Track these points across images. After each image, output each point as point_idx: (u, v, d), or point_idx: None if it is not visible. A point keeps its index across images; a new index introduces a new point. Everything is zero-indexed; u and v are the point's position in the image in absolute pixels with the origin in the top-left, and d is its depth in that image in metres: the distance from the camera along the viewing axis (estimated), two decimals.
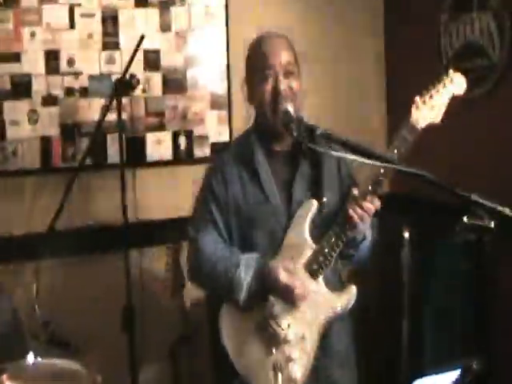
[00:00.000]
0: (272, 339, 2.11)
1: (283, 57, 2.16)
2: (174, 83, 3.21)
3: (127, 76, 2.83)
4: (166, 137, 3.22)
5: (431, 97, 2.07)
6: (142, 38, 2.81)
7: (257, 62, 2.20)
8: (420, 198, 3.06)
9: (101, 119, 2.80)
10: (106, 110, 2.80)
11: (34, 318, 2.65)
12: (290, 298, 2.09)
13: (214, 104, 3.28)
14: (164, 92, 3.20)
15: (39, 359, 2.25)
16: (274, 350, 2.10)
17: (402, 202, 3.26)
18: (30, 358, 2.25)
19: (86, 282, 3.03)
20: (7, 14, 2.97)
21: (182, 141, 3.25)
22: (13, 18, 2.97)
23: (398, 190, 3.20)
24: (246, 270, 2.12)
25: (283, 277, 2.07)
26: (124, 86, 2.83)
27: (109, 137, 3.09)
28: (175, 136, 3.24)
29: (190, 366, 2.76)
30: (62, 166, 3.06)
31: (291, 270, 2.09)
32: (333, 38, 3.51)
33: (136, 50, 2.79)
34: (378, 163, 1.81)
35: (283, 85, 2.13)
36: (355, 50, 3.58)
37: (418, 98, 2.07)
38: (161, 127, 3.21)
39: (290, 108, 2.11)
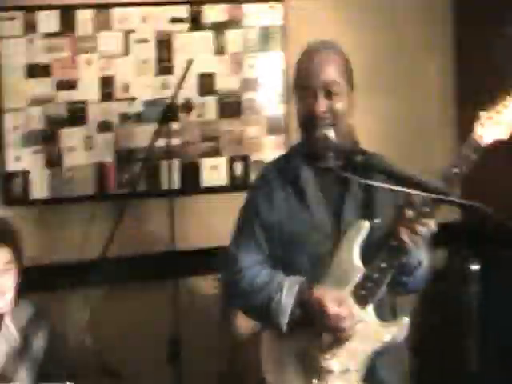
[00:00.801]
0: (314, 369, 1.97)
1: (326, 75, 2.01)
2: (230, 107, 3.16)
3: (179, 101, 2.83)
4: (222, 162, 3.17)
5: (498, 112, 1.90)
6: (190, 62, 2.78)
7: (298, 79, 2.09)
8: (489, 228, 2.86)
9: (151, 145, 2.78)
10: (156, 135, 2.78)
11: (84, 346, 2.65)
12: (335, 331, 1.94)
13: (271, 128, 3.20)
14: (219, 116, 3.15)
15: None
16: (315, 381, 1.96)
17: (471, 231, 3.07)
18: None
19: (135, 310, 3.00)
20: (64, 43, 3.02)
21: (238, 166, 3.19)
22: (69, 46, 3.02)
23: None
24: (288, 295, 1.99)
25: (330, 307, 1.93)
26: (173, 111, 2.83)
27: (163, 163, 3.06)
28: (231, 161, 3.19)
29: None
30: (117, 193, 3.06)
31: (339, 300, 1.95)
32: (395, 62, 3.37)
33: (184, 75, 2.77)
34: (423, 193, 1.69)
35: (323, 106, 2.00)
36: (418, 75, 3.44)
37: (483, 113, 1.91)
38: (216, 152, 3.16)
39: (330, 133, 1.98)
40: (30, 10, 3.00)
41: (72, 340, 2.79)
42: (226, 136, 3.16)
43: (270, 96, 3.21)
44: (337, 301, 1.95)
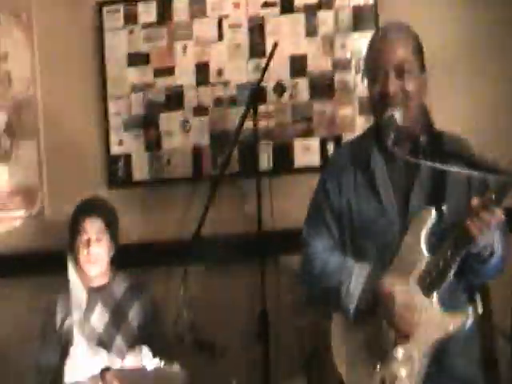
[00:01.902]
0: (379, 355, 1.98)
1: (398, 55, 2.00)
2: (322, 88, 3.16)
3: (271, 83, 2.89)
4: (314, 143, 3.19)
5: None
6: (276, 45, 2.82)
7: (370, 59, 2.08)
8: None
9: (238, 128, 2.86)
10: (243, 118, 2.85)
11: (181, 321, 2.79)
12: (399, 324, 1.94)
13: (364, 108, 3.17)
14: (311, 97, 3.16)
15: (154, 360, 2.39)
16: (379, 367, 1.97)
17: None
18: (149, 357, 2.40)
19: (227, 289, 3.10)
20: (161, 32, 3.18)
21: (331, 147, 3.19)
22: (166, 34, 3.19)
23: None
24: (357, 282, 2.02)
25: (397, 300, 1.93)
26: (262, 93, 2.90)
27: (256, 144, 3.08)
28: (323, 142, 3.20)
29: (320, 379, 2.69)
30: (212, 174, 3.16)
31: (405, 293, 1.95)
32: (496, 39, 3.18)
33: (270, 58, 2.81)
34: (491, 177, 1.64)
35: (394, 86, 1.98)
36: None
37: None
38: (308, 133, 3.18)
39: (397, 114, 1.97)
40: (131, 2, 3.20)
41: (170, 314, 2.98)
42: (318, 117, 3.16)
43: (361, 76, 3.18)
44: (404, 297, 1.94)
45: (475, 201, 1.84)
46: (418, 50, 2.07)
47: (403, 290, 1.95)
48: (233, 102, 3.16)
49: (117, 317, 2.84)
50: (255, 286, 2.88)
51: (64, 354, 2.72)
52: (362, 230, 2.09)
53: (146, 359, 2.42)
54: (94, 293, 2.83)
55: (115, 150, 3.21)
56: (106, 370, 2.12)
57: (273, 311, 2.87)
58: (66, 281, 2.93)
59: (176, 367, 2.36)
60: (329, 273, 2.09)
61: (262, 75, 2.85)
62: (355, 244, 2.12)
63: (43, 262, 3.13)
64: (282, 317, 2.95)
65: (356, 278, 2.03)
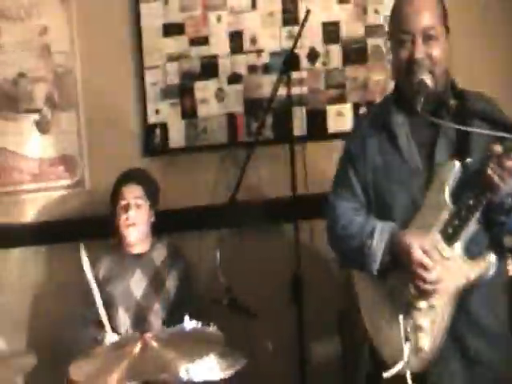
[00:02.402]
0: (401, 305, 2.03)
1: (424, 19, 2.02)
2: (354, 54, 3.19)
3: (304, 50, 2.93)
4: (347, 108, 3.22)
5: None
6: (308, 12, 2.87)
7: (395, 23, 2.10)
8: None
9: (273, 94, 2.91)
10: (277, 85, 2.90)
11: (216, 284, 2.86)
12: (418, 278, 1.98)
13: None
14: (344, 63, 3.20)
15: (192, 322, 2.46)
16: (401, 317, 2.02)
17: None
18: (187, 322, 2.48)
19: (262, 252, 3.18)
20: (196, 2, 3.22)
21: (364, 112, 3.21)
22: (201, 4, 3.23)
23: None
24: (379, 240, 2.07)
25: (415, 254, 1.97)
26: (295, 60, 2.94)
27: (289, 110, 3.10)
28: (356, 107, 3.22)
29: (352, 338, 2.74)
30: (246, 140, 3.22)
31: (426, 249, 1.98)
32: None
33: (302, 25, 2.85)
34: None
35: (421, 52, 2.01)
36: None
37: None
38: (341, 99, 3.21)
39: (426, 78, 1.99)
40: None
41: (205, 278, 3.06)
42: (351, 83, 3.21)
43: None
44: (423, 248, 1.98)
45: (496, 147, 1.86)
46: (444, 14, 2.09)
47: (423, 240, 1.98)
48: (266, 69, 3.21)
49: (155, 283, 2.94)
50: (289, 249, 2.98)
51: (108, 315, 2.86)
52: (386, 190, 2.14)
53: (185, 319, 2.50)
54: (135, 259, 2.94)
55: (152, 118, 3.26)
56: (144, 330, 2.20)
57: (306, 274, 2.95)
58: (106, 246, 3.09)
59: (213, 328, 2.42)
60: (353, 232, 2.15)
61: (295, 42, 2.91)
62: (380, 204, 2.16)
63: (84, 229, 3.21)
64: (315, 279, 3.03)
65: (379, 236, 2.07)
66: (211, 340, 2.27)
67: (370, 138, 2.17)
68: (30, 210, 3.38)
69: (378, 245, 2.06)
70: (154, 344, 2.08)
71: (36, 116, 3.32)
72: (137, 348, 2.04)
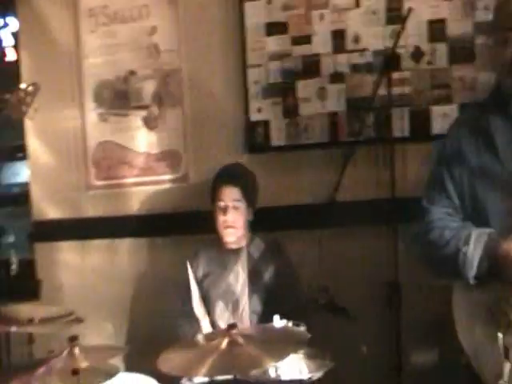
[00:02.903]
0: (501, 322, 1.96)
1: None
2: (462, 53, 3.09)
3: (408, 49, 2.89)
4: (453, 109, 3.11)
5: None
6: (410, 10, 2.83)
7: (500, 20, 2.03)
8: None
9: (373, 94, 2.89)
10: (376, 84, 2.87)
11: (315, 283, 2.88)
12: None
13: None
14: (450, 62, 3.10)
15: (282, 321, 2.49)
16: (500, 335, 1.95)
17: None
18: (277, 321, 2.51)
19: (360, 253, 3.15)
20: (299, 0, 3.24)
21: None
22: (303, 3, 3.25)
23: None
24: (476, 247, 2.02)
25: None
26: (396, 59, 2.90)
27: (394, 110, 3.10)
28: (463, 109, 3.10)
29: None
30: (347, 140, 3.20)
31: None
32: None
33: (404, 23, 2.82)
34: None
35: None
36: None
37: None
38: (447, 100, 3.11)
39: None
40: None
41: (303, 277, 3.07)
42: (457, 83, 3.11)
43: None
44: None
45: None
46: None
47: None
48: (369, 68, 3.17)
49: (253, 277, 2.99)
50: (387, 251, 2.94)
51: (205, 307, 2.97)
52: (483, 194, 2.08)
53: (274, 318, 2.54)
54: (233, 254, 3.01)
55: (254, 116, 3.33)
56: (232, 325, 2.24)
57: (404, 278, 2.91)
58: (208, 240, 3.17)
59: (302, 328, 2.43)
60: (448, 238, 2.10)
61: (396, 41, 2.88)
62: (476, 209, 2.11)
63: (187, 222, 3.36)
64: (414, 284, 2.97)
65: (475, 243, 2.02)
66: (299, 340, 2.28)
67: (466, 140, 2.12)
68: (135, 203, 3.57)
69: (474, 251, 2.02)
70: (241, 340, 2.13)
71: (144, 112, 3.50)
72: (224, 343, 2.11)
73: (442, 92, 3.13)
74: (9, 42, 3.81)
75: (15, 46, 3.71)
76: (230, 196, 2.95)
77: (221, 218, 2.95)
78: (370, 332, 2.90)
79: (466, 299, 2.11)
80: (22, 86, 2.83)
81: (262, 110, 3.32)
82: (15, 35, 3.72)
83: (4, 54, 3.89)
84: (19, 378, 2.36)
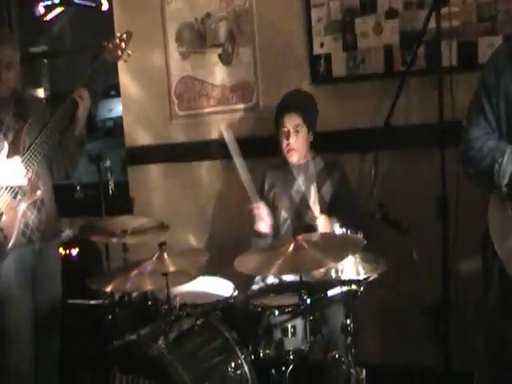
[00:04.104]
0: None
1: None
2: None
3: None
4: (498, 40, 3.34)
5: None
6: None
7: None
8: None
9: (423, 28, 3.15)
10: (427, 19, 3.14)
11: (371, 200, 3.18)
12: None
13: None
14: None
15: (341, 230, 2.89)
16: None
17: None
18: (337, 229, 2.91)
19: (412, 172, 3.49)
20: None
21: None
22: None
23: None
24: (510, 158, 2.26)
25: None
26: None
27: (443, 43, 3.30)
28: (507, 40, 3.31)
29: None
30: (401, 70, 3.50)
31: None
32: None
33: None
34: None
35: None
36: None
37: None
38: (493, 31, 3.35)
39: None
40: None
41: (361, 194, 3.41)
42: (502, 15, 3.33)
43: None
44: None
45: None
46: None
47: None
48: (421, 4, 3.45)
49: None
50: (436, 171, 3.16)
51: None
52: None
53: (335, 227, 2.95)
54: (296, 168, 3.40)
55: (317, 50, 3.68)
56: (297, 232, 2.65)
57: (452, 194, 3.10)
58: (273, 161, 3.52)
59: (360, 235, 2.77)
60: (484, 153, 2.34)
61: None
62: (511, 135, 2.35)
63: (257, 146, 3.75)
64: (461, 201, 3.14)
65: (509, 155, 2.26)
66: (356, 244, 2.66)
67: (505, 71, 2.32)
68: (213, 130, 4.02)
69: (508, 162, 2.25)
70: (305, 245, 2.57)
71: (219, 50, 3.91)
72: (290, 248, 2.56)
73: (488, 24, 3.37)
74: None
75: None
76: (292, 122, 3.30)
77: (284, 142, 3.32)
78: (421, 242, 3.18)
79: (499, 208, 2.35)
80: (118, 33, 3.26)
81: (324, 44, 3.66)
82: None
83: (100, 5, 4.32)
84: (118, 278, 2.74)
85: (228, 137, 3.33)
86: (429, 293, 3.25)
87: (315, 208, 3.16)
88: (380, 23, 3.54)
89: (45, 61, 6.89)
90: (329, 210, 3.28)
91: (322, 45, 3.67)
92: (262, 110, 3.87)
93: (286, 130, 3.31)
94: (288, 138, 3.31)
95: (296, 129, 3.31)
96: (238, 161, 3.27)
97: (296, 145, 3.32)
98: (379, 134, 3.32)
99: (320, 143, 3.44)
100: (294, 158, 3.35)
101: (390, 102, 3.30)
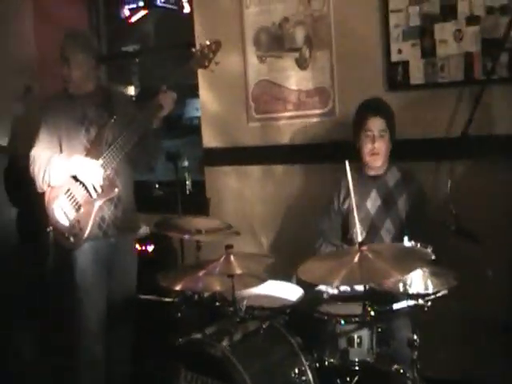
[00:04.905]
0: None
1: None
2: None
3: None
4: None
5: None
6: None
7: None
8: None
9: (505, 34, 3.09)
10: (509, 25, 3.08)
11: (446, 210, 3.18)
12: None
13: None
14: None
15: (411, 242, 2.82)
16: None
17: None
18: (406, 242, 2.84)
19: (490, 184, 3.37)
20: None
21: None
22: None
23: None
24: None
25: None
26: None
27: None
28: None
29: None
30: (482, 79, 3.41)
31: None
32: None
33: None
34: None
35: None
36: None
37: None
38: None
39: None
40: None
41: (436, 205, 3.37)
42: None
43: None
44: None
45: None
46: None
47: None
48: (504, 10, 3.34)
49: (388, 203, 3.33)
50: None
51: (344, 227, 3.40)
52: None
53: (404, 239, 2.85)
54: (371, 181, 3.36)
55: (395, 57, 3.64)
56: (363, 242, 2.60)
57: None
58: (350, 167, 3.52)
59: (429, 249, 2.69)
60: None
61: None
62: None
63: (332, 151, 3.74)
64: None
65: None
66: (424, 258, 2.59)
67: None
68: (288, 134, 4.05)
69: None
70: (371, 255, 2.54)
71: (296, 54, 3.93)
72: (356, 258, 2.54)
73: None
74: None
75: (189, 1, 4.24)
76: (378, 126, 3.27)
77: (368, 146, 3.27)
78: (496, 257, 3.13)
79: None
80: (207, 42, 3.30)
81: (402, 50, 3.62)
82: None
83: (182, 7, 4.46)
84: (187, 277, 2.83)
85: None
86: (503, 308, 3.18)
87: None
88: (460, 29, 3.47)
89: (136, 60, 7.15)
90: (404, 222, 3.26)
91: (399, 51, 3.62)
92: (338, 116, 3.87)
93: (370, 133, 3.28)
94: (373, 141, 3.27)
95: (381, 133, 3.28)
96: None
97: (380, 149, 3.28)
98: (456, 144, 3.31)
99: (395, 151, 3.39)
100: (378, 163, 3.31)
101: (468, 111, 3.30)
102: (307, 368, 2.76)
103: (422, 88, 3.61)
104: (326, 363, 2.78)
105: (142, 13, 5.19)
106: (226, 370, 2.61)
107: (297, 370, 2.73)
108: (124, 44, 6.55)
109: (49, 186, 3.37)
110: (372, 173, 3.36)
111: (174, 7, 4.84)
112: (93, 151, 3.33)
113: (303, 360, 2.78)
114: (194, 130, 4.73)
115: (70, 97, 3.42)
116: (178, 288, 2.84)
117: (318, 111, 3.94)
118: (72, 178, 3.33)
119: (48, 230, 3.40)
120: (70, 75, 3.39)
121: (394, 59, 3.65)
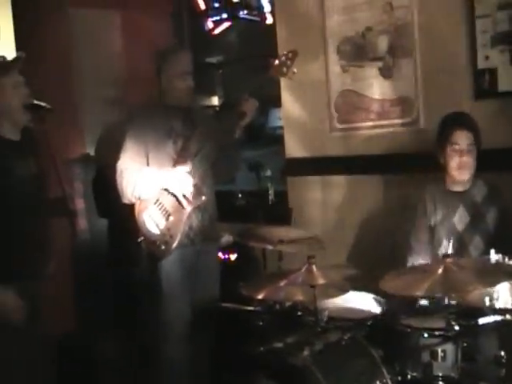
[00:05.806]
0: None
1: None
2: None
3: None
4: None
5: None
6: None
7: None
8: None
9: None
10: None
11: None
12: None
13: None
14: None
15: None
16: None
17: None
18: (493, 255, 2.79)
19: None
20: None
21: None
22: None
23: None
24: None
25: None
26: None
27: None
28: None
29: None
30: None
31: None
32: None
33: None
34: None
35: None
36: None
37: None
38: None
39: None
40: None
41: None
42: None
43: None
44: None
45: None
46: None
47: None
48: None
49: (476, 219, 3.23)
50: None
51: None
52: None
53: (491, 252, 2.80)
54: (457, 196, 3.27)
55: (482, 64, 3.54)
56: (447, 255, 2.58)
57: None
58: (433, 178, 3.39)
59: None
60: None
61: None
62: None
63: (415, 162, 3.69)
64: None
65: None
66: (510, 272, 2.57)
67: None
68: (371, 144, 4.00)
69: None
70: (455, 268, 2.50)
71: (380, 63, 3.89)
72: (440, 270, 2.50)
73: None
74: (267, 8, 4.44)
75: (272, 12, 4.30)
76: (465, 139, 3.18)
77: (456, 160, 3.18)
78: None
79: None
80: (284, 51, 3.37)
81: (490, 57, 3.52)
82: (272, 2, 4.30)
83: (264, 18, 4.54)
84: (269, 286, 2.82)
85: None
86: None
87: None
88: None
89: (220, 71, 7.29)
90: (492, 238, 3.17)
91: (487, 58, 3.53)
92: (423, 126, 3.80)
93: (458, 147, 3.19)
94: (461, 155, 3.18)
95: (469, 147, 3.20)
96: None
97: (468, 163, 3.20)
98: None
99: (481, 161, 3.27)
100: (465, 176, 3.22)
101: None
102: (389, 381, 2.70)
103: (510, 95, 3.49)
104: (409, 376, 2.73)
105: (226, 24, 5.29)
106: (306, 379, 2.60)
107: (378, 383, 2.69)
108: (208, 55, 6.68)
109: (139, 199, 3.44)
110: (457, 187, 3.27)
111: (257, 18, 4.93)
112: (180, 163, 3.40)
113: (385, 373, 2.72)
114: (277, 139, 4.77)
115: (157, 109, 3.51)
116: (259, 297, 2.85)
117: (401, 121, 3.88)
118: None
119: (139, 239, 3.47)
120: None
121: (480, 66, 3.56)
